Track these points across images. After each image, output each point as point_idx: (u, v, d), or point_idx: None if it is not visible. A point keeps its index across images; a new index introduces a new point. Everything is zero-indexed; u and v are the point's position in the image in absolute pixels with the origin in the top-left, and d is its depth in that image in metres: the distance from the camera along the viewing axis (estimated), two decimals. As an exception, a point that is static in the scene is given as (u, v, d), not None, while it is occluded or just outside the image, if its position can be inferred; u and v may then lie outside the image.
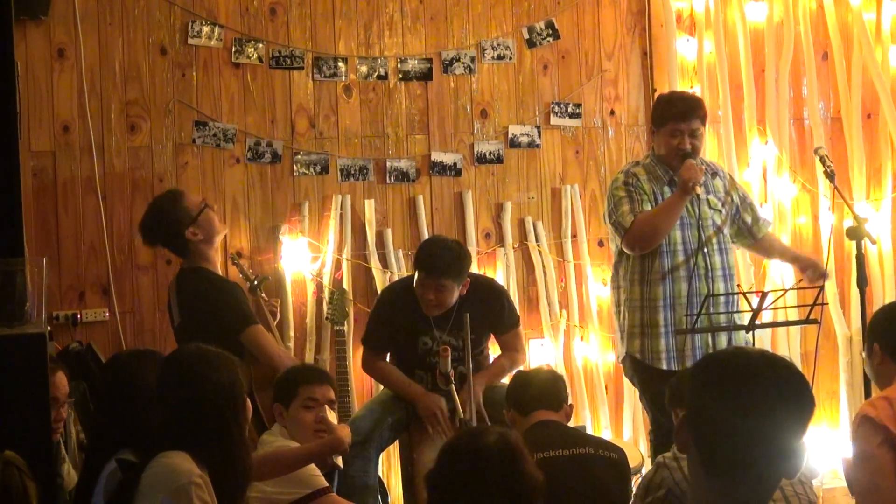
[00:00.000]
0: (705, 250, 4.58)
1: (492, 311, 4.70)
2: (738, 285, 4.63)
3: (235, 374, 2.97)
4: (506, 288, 5.10)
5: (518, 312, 4.89)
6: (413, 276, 4.66)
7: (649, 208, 4.55)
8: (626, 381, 5.50)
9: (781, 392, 1.96)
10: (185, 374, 2.92)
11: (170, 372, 2.97)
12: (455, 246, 4.61)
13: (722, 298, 4.55)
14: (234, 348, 4.41)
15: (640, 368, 4.62)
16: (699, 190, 4.47)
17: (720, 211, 4.68)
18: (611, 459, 3.47)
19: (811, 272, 4.72)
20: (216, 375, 2.90)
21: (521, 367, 4.74)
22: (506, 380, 4.96)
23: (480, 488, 2.45)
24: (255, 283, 4.93)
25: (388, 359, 4.76)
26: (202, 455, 2.84)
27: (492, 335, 4.79)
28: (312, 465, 3.67)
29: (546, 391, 3.79)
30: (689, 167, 4.44)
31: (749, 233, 4.83)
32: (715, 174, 4.77)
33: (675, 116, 4.60)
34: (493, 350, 4.90)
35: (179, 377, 2.92)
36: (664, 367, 4.52)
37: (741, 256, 5.35)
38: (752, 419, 1.94)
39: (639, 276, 4.60)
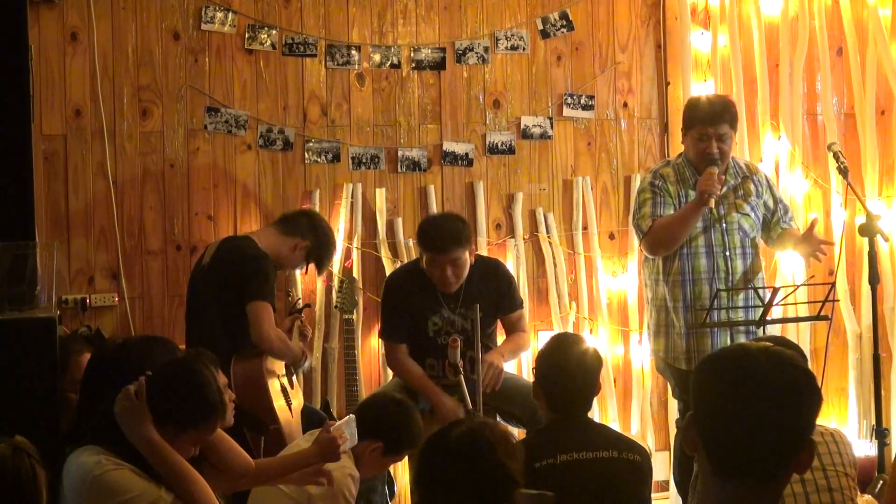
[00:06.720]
0: (727, 254, 4.56)
1: (499, 290, 4.75)
2: (751, 280, 4.61)
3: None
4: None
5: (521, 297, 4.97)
6: (416, 259, 4.74)
7: (671, 212, 4.55)
8: (635, 375, 5.53)
9: (785, 390, 1.94)
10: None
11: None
12: (451, 217, 4.77)
13: (741, 294, 4.53)
14: (236, 316, 4.37)
15: (666, 367, 4.69)
16: (712, 203, 4.41)
17: (749, 216, 4.65)
18: (634, 462, 3.43)
19: (807, 247, 4.60)
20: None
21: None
22: (520, 371, 4.98)
23: (448, 482, 2.52)
24: (299, 309, 4.85)
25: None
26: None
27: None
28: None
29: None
30: (707, 177, 4.40)
31: (767, 229, 4.75)
32: (747, 178, 4.71)
33: (703, 120, 4.54)
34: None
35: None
36: (683, 367, 4.54)
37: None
38: (756, 417, 1.93)
39: (662, 277, 4.61)
